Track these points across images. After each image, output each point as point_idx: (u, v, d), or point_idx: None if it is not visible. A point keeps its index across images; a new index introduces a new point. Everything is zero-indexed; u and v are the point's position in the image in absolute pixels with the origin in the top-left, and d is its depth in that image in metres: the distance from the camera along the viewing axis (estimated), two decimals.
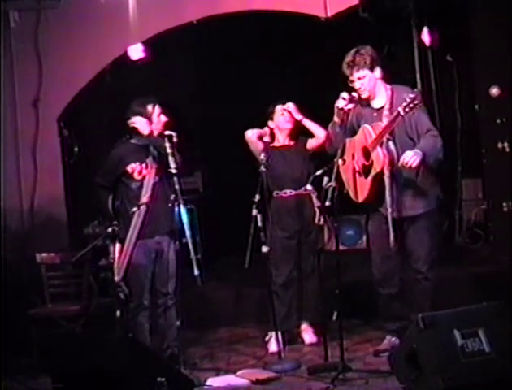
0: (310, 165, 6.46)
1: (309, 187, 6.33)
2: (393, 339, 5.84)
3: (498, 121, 7.69)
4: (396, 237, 5.58)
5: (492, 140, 7.78)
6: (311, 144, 6.49)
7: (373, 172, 5.56)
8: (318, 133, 6.39)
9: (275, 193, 6.47)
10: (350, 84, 5.70)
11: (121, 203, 6.10)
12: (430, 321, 4.69)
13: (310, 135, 6.52)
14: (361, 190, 5.70)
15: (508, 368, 4.61)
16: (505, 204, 7.70)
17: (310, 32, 7.96)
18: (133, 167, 6.00)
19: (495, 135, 7.75)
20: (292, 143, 6.56)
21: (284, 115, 6.52)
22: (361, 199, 5.73)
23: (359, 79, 5.66)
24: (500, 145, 7.69)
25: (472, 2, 7.75)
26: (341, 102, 5.66)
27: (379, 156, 5.50)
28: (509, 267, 6.81)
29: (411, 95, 5.26)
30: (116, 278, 5.97)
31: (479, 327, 4.70)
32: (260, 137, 6.48)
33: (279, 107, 6.54)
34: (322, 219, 6.40)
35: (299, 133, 6.57)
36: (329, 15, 7.49)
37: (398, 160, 5.48)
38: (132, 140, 6.14)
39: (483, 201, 8.37)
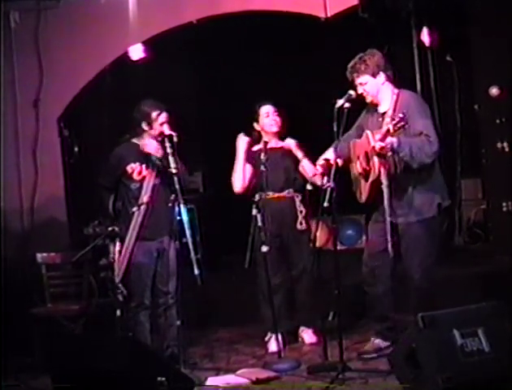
0: (297, 168, 6.44)
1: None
2: (377, 341, 5.84)
3: (498, 121, 7.70)
4: (393, 244, 5.60)
5: (491, 140, 7.79)
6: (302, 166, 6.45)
7: (371, 178, 5.59)
8: (309, 173, 6.33)
9: (257, 195, 6.37)
10: (354, 89, 5.71)
11: (122, 204, 6.10)
12: (429, 320, 4.69)
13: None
14: (363, 192, 5.73)
15: (507, 368, 4.61)
16: (504, 204, 7.70)
17: (309, 32, 7.96)
18: (133, 167, 5.99)
19: (494, 135, 7.76)
20: (279, 145, 6.49)
21: (268, 117, 6.46)
22: (363, 200, 5.77)
23: (361, 84, 5.68)
24: (499, 145, 7.70)
25: (472, 3, 7.76)
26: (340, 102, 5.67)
27: (375, 164, 5.53)
28: (509, 267, 6.82)
29: (400, 115, 5.25)
30: (116, 279, 5.99)
31: (479, 326, 4.71)
32: (250, 145, 6.48)
33: (263, 109, 6.47)
34: (304, 224, 6.41)
35: (287, 134, 6.52)
36: (329, 15, 7.46)
37: (396, 169, 5.49)
38: (134, 140, 6.13)
39: (482, 201, 8.38)
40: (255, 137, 6.55)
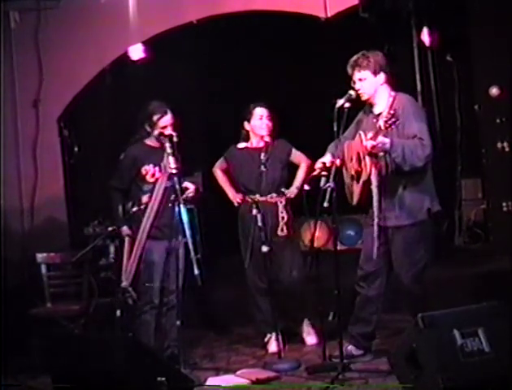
0: (284, 171, 6.42)
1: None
2: (350, 347, 5.80)
3: (498, 121, 7.71)
4: (379, 247, 5.58)
5: (491, 140, 7.80)
6: (294, 160, 6.48)
7: (363, 178, 5.55)
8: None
9: (257, 195, 6.31)
10: (352, 85, 5.69)
11: (131, 206, 6.07)
12: (430, 321, 4.68)
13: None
14: (354, 194, 5.70)
15: (507, 368, 4.60)
16: (504, 204, 7.71)
17: (309, 32, 7.96)
18: (147, 169, 5.99)
19: (494, 135, 7.77)
20: (267, 145, 6.41)
21: (261, 120, 6.39)
22: (354, 202, 5.72)
23: (360, 80, 5.64)
24: (499, 145, 7.71)
25: (472, 2, 7.77)
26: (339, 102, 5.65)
27: (366, 164, 5.50)
28: (509, 267, 6.81)
29: (392, 111, 5.26)
30: (124, 283, 5.95)
31: (479, 326, 4.69)
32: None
33: (257, 111, 6.41)
34: (285, 230, 6.36)
35: (276, 136, 6.48)
36: (329, 15, 7.47)
37: (387, 169, 5.49)
38: (147, 141, 6.12)
39: (482, 201, 8.38)
40: (244, 136, 6.54)
